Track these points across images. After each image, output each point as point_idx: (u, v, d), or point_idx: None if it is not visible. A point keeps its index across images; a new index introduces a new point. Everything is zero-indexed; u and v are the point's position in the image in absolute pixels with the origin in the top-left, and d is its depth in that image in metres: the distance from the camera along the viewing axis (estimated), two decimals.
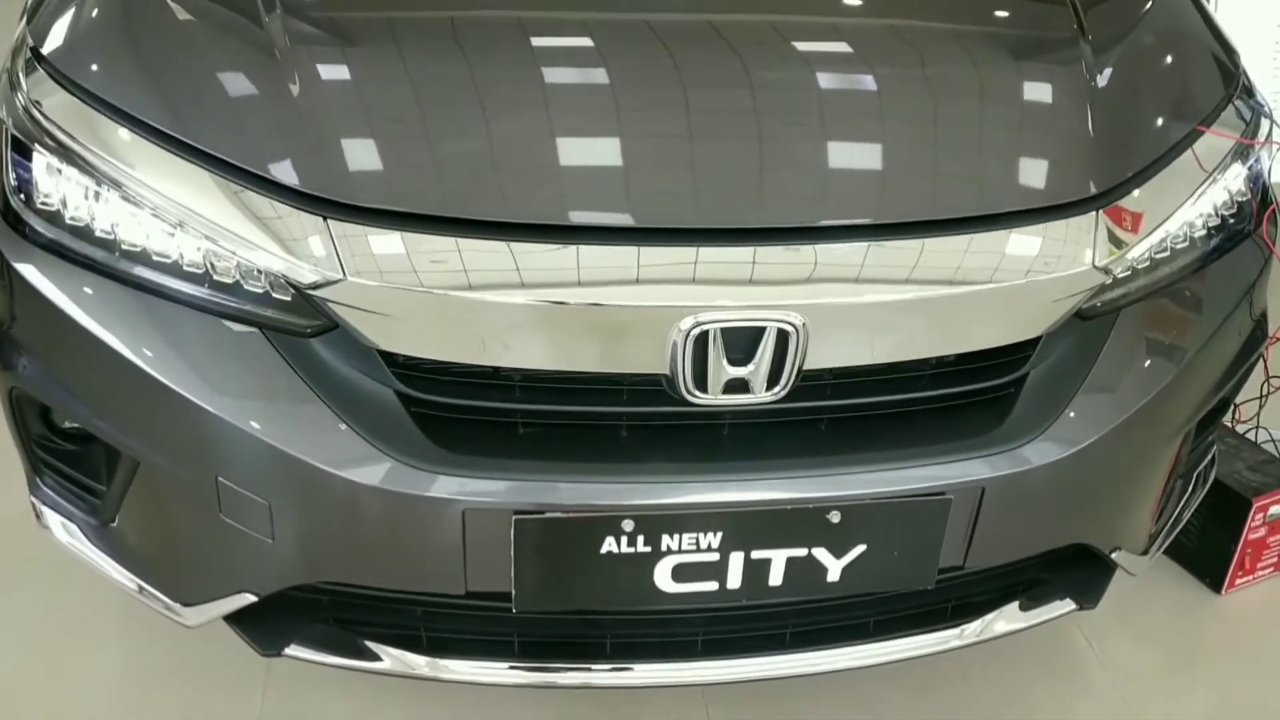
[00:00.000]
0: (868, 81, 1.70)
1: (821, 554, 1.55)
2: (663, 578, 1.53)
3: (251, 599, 1.60)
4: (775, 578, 1.55)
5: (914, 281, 1.47)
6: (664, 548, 1.50)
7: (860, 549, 1.55)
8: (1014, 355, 1.59)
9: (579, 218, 1.45)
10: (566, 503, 1.46)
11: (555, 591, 1.54)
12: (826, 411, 1.55)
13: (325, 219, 1.43)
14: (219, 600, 1.62)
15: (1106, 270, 1.56)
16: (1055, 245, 1.53)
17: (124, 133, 1.50)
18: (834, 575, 1.57)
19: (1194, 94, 1.79)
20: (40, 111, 1.55)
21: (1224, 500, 2.19)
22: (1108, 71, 1.74)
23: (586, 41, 1.67)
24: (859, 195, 1.54)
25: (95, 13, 1.67)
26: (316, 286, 1.42)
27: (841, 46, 1.77)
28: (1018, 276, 1.51)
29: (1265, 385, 2.33)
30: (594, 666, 1.65)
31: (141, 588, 1.68)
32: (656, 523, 1.48)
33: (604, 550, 1.49)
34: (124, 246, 1.49)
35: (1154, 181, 1.64)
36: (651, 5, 1.78)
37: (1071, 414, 1.58)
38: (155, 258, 1.48)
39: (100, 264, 1.50)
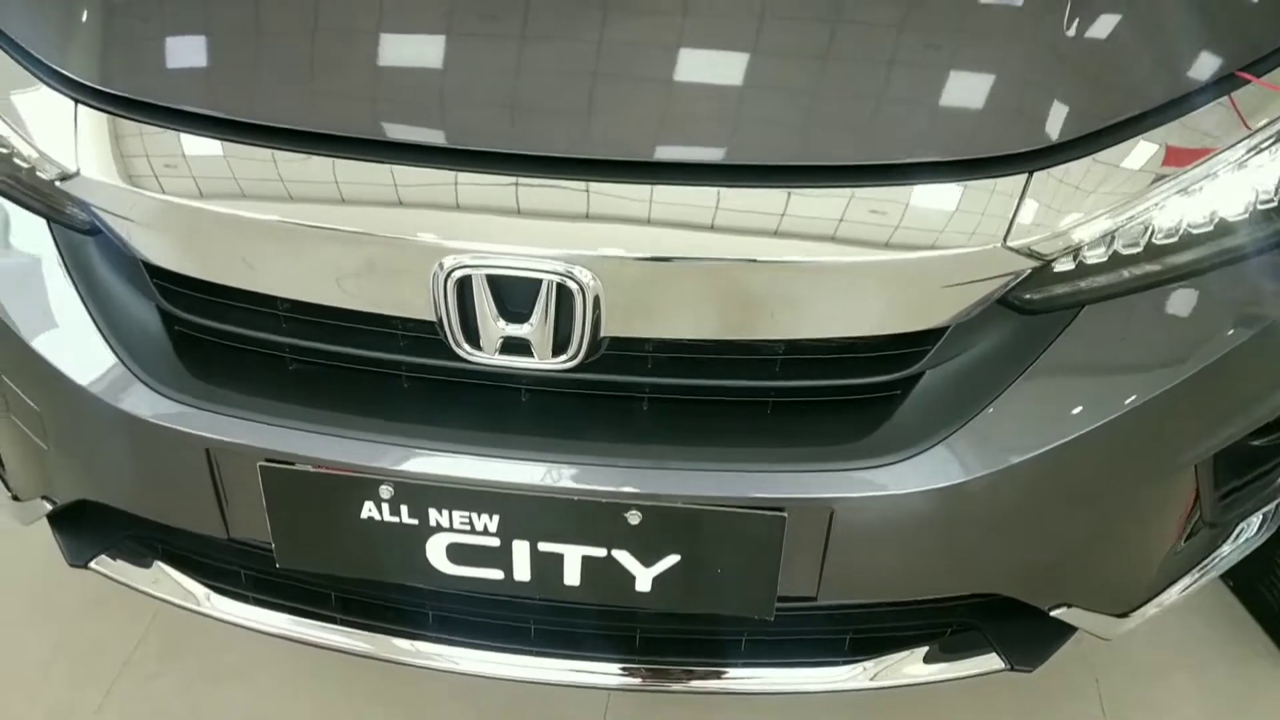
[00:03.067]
0: None
1: (624, 558, 1.27)
2: (437, 556, 1.30)
3: (48, 506, 1.49)
4: (571, 577, 1.30)
5: (748, 240, 1.15)
6: (432, 523, 1.28)
7: (673, 560, 1.27)
8: (901, 348, 1.24)
9: (335, 126, 1.21)
10: (317, 455, 1.26)
11: (317, 551, 1.35)
12: (648, 390, 1.26)
13: (76, 105, 1.26)
14: (28, 502, 1.53)
15: (1031, 253, 1.18)
16: (953, 213, 1.16)
17: None
18: (643, 585, 1.29)
19: (1243, 23, 1.32)
20: None
21: None
22: None
23: None
24: (701, 129, 1.20)
25: None
26: (61, 179, 1.27)
27: None
28: (891, 248, 1.15)
29: None
30: (390, 638, 1.45)
31: None
32: (418, 493, 1.26)
33: (364, 515, 1.28)
34: None
35: (1135, 143, 1.22)
36: None
37: (976, 431, 1.22)
38: None
39: None
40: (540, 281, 1.16)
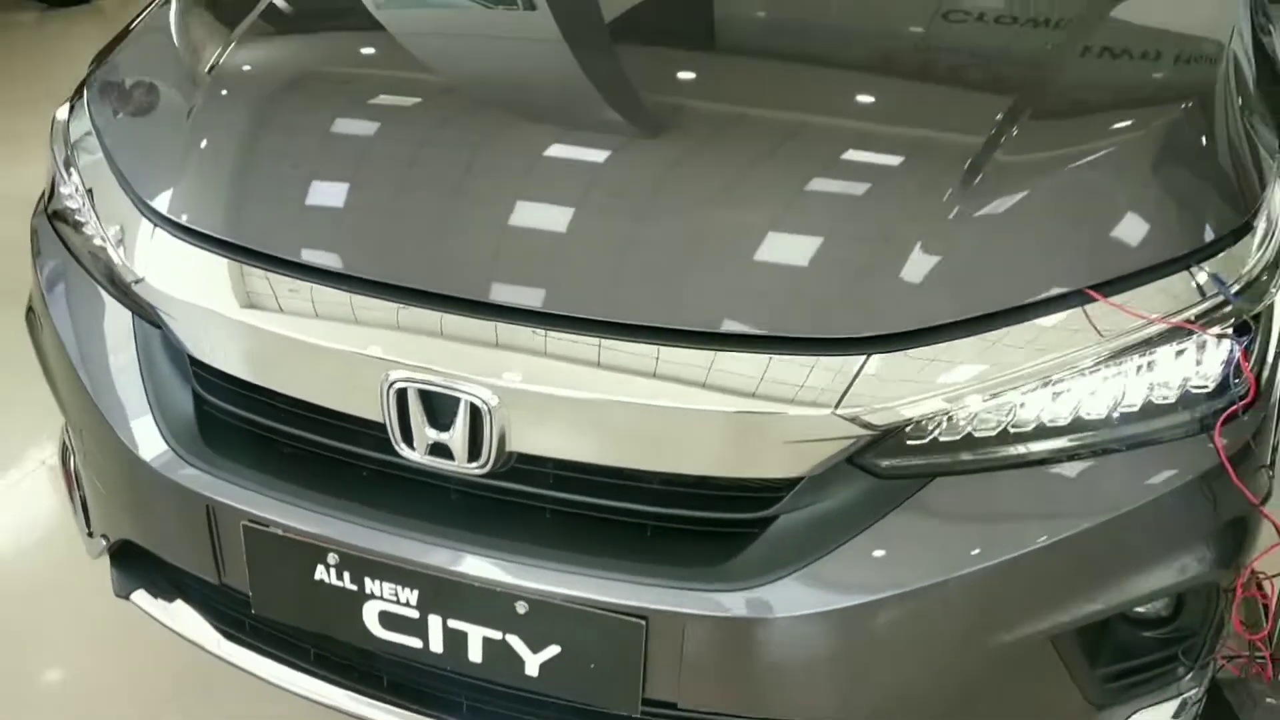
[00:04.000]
0: (654, 169, 1.60)
1: (516, 643, 1.50)
2: (371, 620, 1.56)
3: (104, 543, 1.84)
4: (475, 654, 1.53)
5: (622, 383, 1.40)
6: (367, 590, 1.54)
7: (554, 650, 1.49)
8: (758, 493, 1.44)
9: (316, 259, 1.53)
10: (284, 521, 1.55)
11: (283, 604, 1.63)
12: (548, 501, 1.51)
13: (154, 228, 1.64)
14: (94, 538, 1.88)
15: (861, 422, 1.38)
16: (797, 380, 1.38)
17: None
18: (532, 670, 1.51)
19: (1116, 249, 1.49)
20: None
21: None
22: (994, 197, 1.50)
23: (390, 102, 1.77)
24: (590, 288, 1.46)
25: None
26: (135, 282, 1.64)
27: (662, 131, 1.70)
28: (737, 404, 1.38)
29: None
30: (351, 693, 1.70)
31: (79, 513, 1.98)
32: (357, 563, 1.53)
33: (317, 576, 1.56)
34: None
35: (975, 340, 1.41)
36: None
37: (811, 574, 1.41)
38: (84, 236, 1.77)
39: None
40: (459, 399, 1.43)
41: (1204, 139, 1.61)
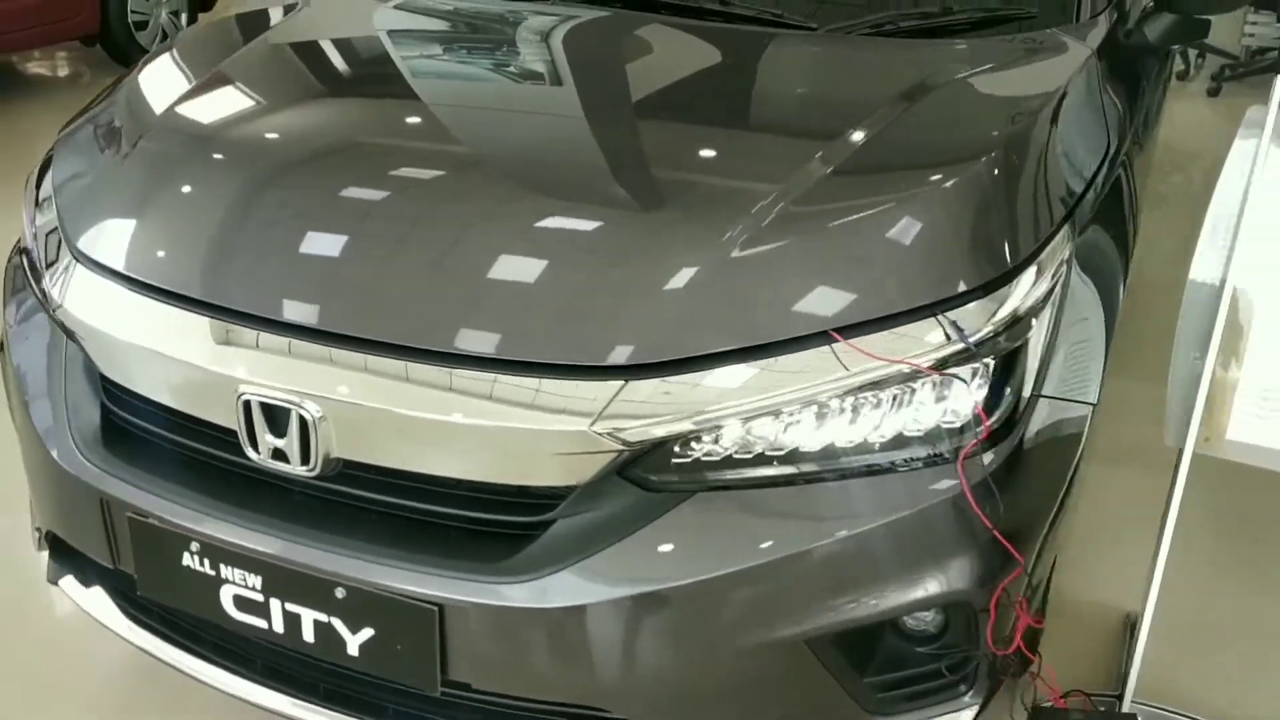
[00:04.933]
0: (456, 216, 1.83)
1: (339, 625, 1.73)
2: (228, 603, 1.81)
3: (36, 533, 2.12)
4: (308, 635, 1.76)
5: (416, 399, 1.63)
6: (223, 576, 1.79)
7: (369, 632, 1.72)
8: (539, 499, 1.66)
9: (183, 288, 1.79)
10: (158, 514, 1.81)
11: (161, 588, 1.89)
12: (367, 502, 1.74)
13: (72, 261, 1.94)
14: (34, 532, 2.17)
15: (615, 438, 1.59)
16: (560, 401, 1.60)
17: None
18: (353, 650, 1.74)
19: (868, 295, 1.68)
20: None
21: None
22: (765, 244, 1.70)
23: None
24: (398, 318, 1.69)
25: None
26: (56, 308, 1.93)
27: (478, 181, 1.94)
28: (511, 420, 1.60)
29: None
30: (221, 671, 1.94)
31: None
32: (213, 551, 1.78)
33: (185, 563, 1.81)
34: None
35: (725, 369, 1.62)
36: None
37: (571, 573, 1.62)
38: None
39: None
40: (291, 411, 1.68)
41: (974, 201, 1.80)
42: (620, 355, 1.61)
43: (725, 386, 1.62)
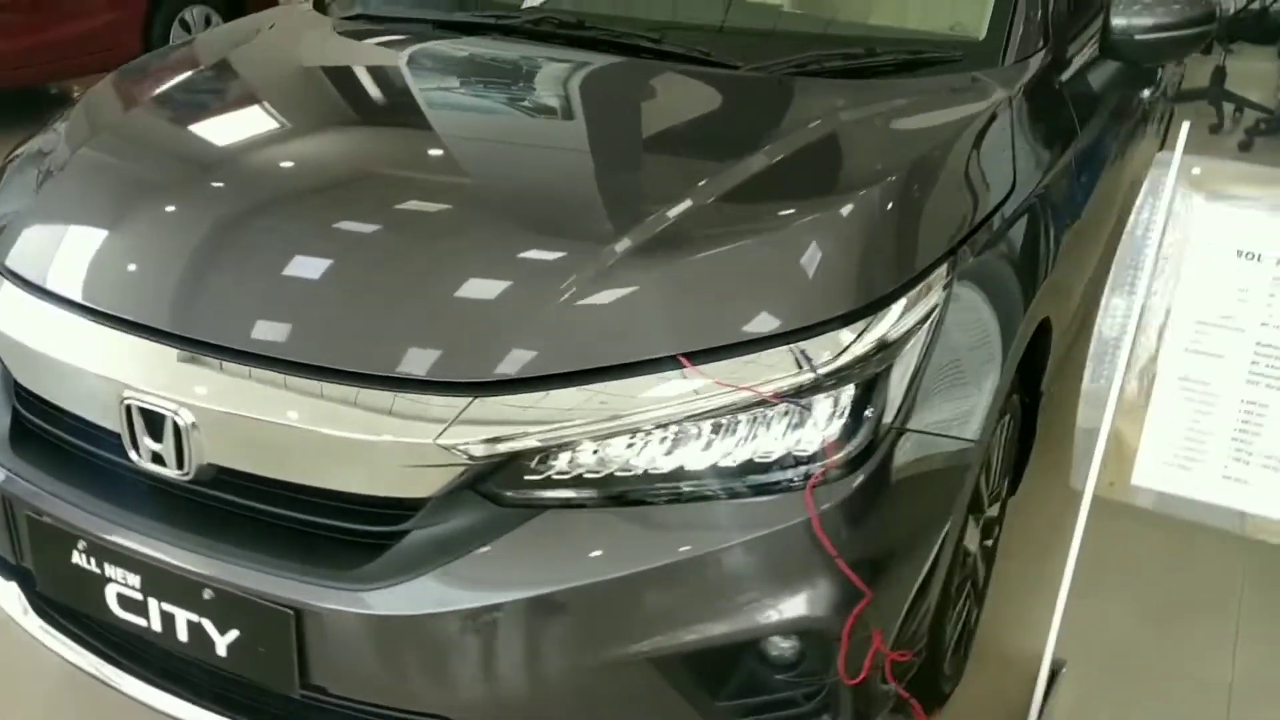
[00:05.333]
0: (329, 239, 1.89)
1: (208, 626, 1.79)
2: (112, 601, 1.88)
3: None
4: (182, 634, 1.83)
5: (285, 412, 1.70)
6: (107, 575, 1.86)
7: (235, 634, 1.78)
8: (396, 509, 1.71)
9: (77, 297, 1.89)
10: (51, 512, 1.89)
11: (56, 584, 1.96)
12: (237, 507, 1.80)
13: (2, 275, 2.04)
14: None
15: (459, 452, 1.64)
16: (410, 415, 1.66)
17: None
18: (222, 651, 1.80)
19: (722, 323, 1.72)
20: None
21: None
22: (623, 272, 1.75)
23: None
24: (267, 332, 1.76)
25: None
26: None
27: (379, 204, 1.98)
28: (363, 432, 1.66)
29: None
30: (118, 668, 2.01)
31: None
32: (100, 550, 1.85)
33: (74, 560, 1.89)
34: None
35: (567, 391, 1.66)
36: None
37: (416, 583, 1.67)
38: None
39: None
40: (166, 417, 1.76)
41: (835, 236, 1.83)
42: (469, 372, 1.67)
43: (573, 406, 1.67)
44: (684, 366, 1.67)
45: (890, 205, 1.90)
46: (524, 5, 2.83)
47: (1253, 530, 2.13)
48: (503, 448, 1.65)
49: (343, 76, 2.54)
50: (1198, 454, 2.14)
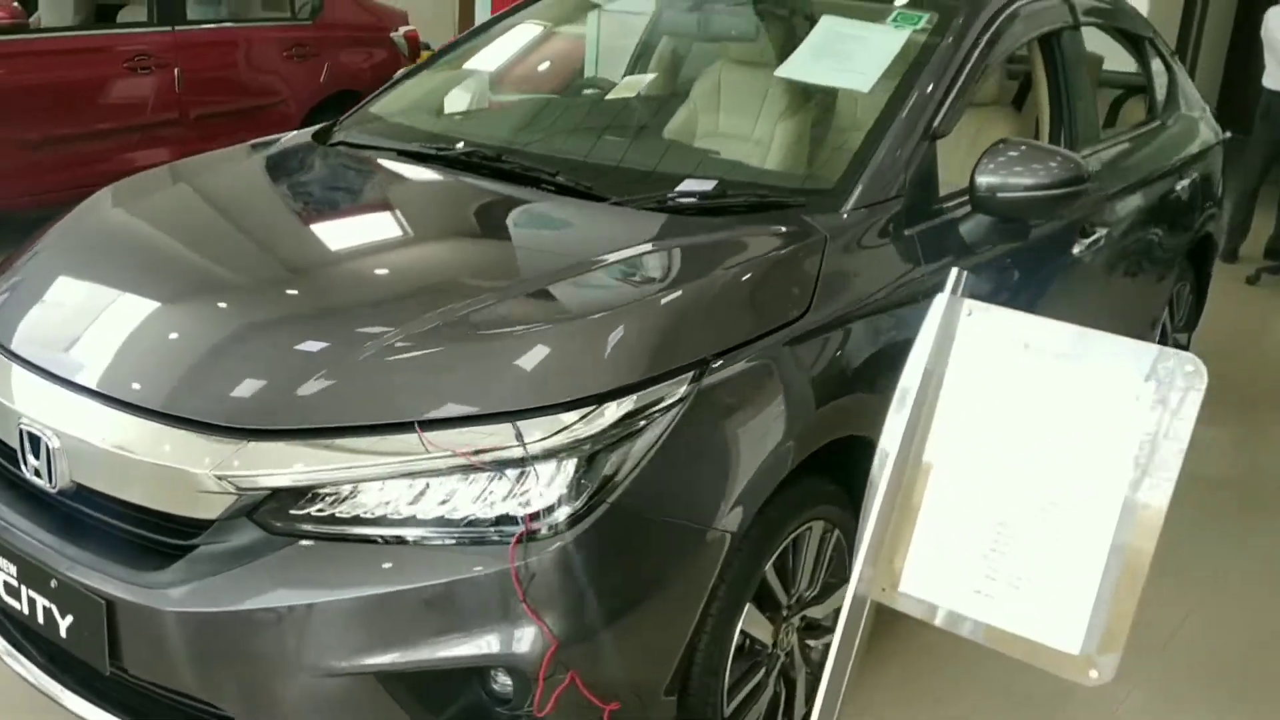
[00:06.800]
0: (166, 304, 2.35)
1: (55, 610, 2.24)
2: (1, 588, 2.35)
3: None
4: (40, 618, 2.27)
5: (110, 440, 2.16)
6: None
7: (71, 618, 2.21)
8: (192, 525, 2.12)
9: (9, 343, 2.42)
10: None
11: None
12: (87, 515, 2.25)
13: None
14: None
15: (234, 485, 2.05)
16: (197, 450, 2.08)
17: None
18: (64, 632, 2.23)
19: (460, 397, 2.09)
20: None
21: None
22: (391, 352, 2.16)
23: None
24: (110, 374, 2.23)
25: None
26: None
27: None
28: (162, 460, 2.10)
29: None
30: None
31: None
32: None
33: None
34: None
35: (323, 441, 2.06)
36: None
37: (189, 588, 2.07)
38: None
39: None
40: (41, 439, 2.24)
41: (570, 341, 2.21)
42: (245, 420, 2.09)
43: (328, 458, 2.06)
44: (417, 431, 2.05)
45: (634, 318, 2.24)
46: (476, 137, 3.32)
47: (992, 642, 2.31)
48: (262, 483, 2.06)
49: (267, 186, 3.09)
50: (956, 567, 2.35)
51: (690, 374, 2.22)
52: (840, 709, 2.46)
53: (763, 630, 2.54)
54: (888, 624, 2.52)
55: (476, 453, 2.03)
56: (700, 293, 2.36)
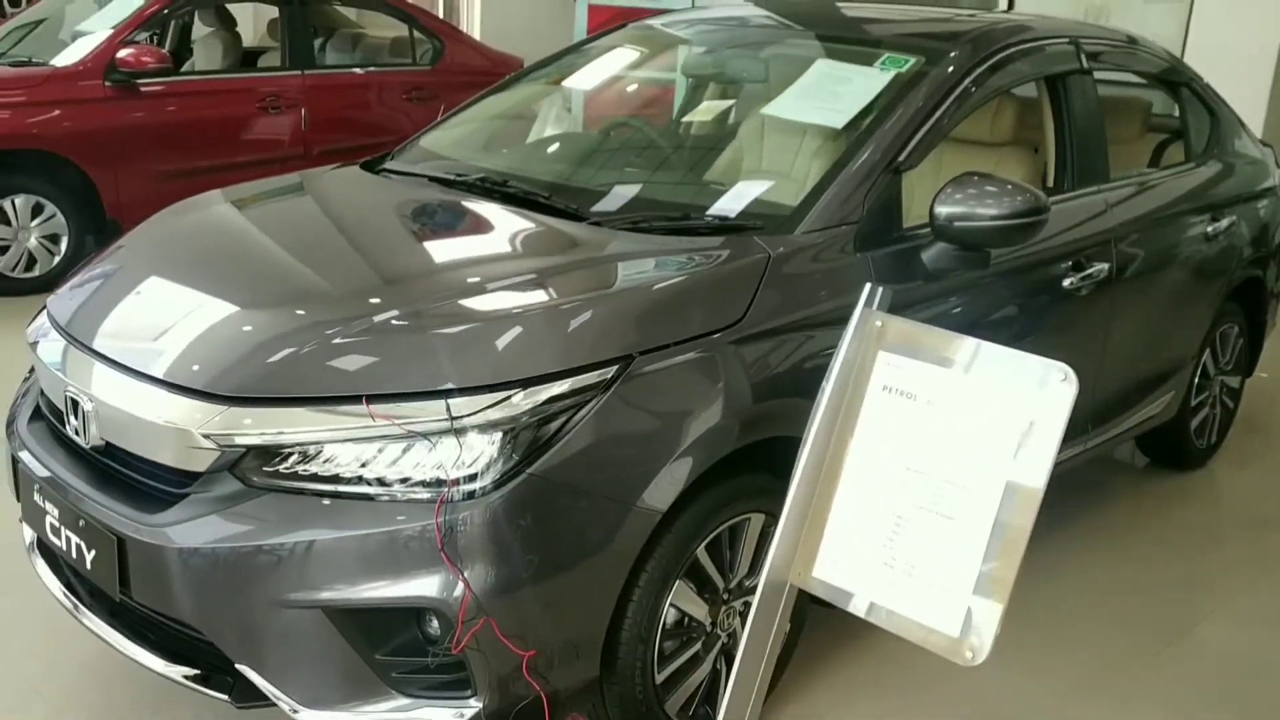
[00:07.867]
0: (178, 296, 2.81)
1: (83, 546, 2.68)
2: (49, 529, 2.80)
3: None
4: (73, 553, 2.72)
5: (126, 402, 2.60)
6: (44, 508, 2.80)
7: (94, 552, 2.65)
8: (185, 477, 2.54)
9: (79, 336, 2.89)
10: (24, 461, 2.87)
11: (29, 517, 2.91)
12: (112, 466, 2.69)
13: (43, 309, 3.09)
14: None
15: (218, 442, 2.45)
16: (190, 411, 2.49)
17: None
18: (89, 565, 2.67)
19: (401, 377, 2.45)
20: None
21: None
22: (348, 335, 2.55)
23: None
24: (133, 351, 2.67)
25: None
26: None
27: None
28: (163, 419, 2.52)
29: None
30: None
31: None
32: (43, 490, 2.79)
33: (34, 499, 2.84)
34: None
35: (288, 410, 2.45)
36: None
37: (181, 527, 2.48)
38: None
39: None
40: (79, 402, 2.70)
41: (499, 335, 2.55)
42: (228, 389, 2.50)
43: (293, 422, 2.45)
44: (363, 404, 2.42)
45: (561, 316, 2.58)
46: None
47: (891, 626, 2.53)
48: (239, 441, 2.46)
49: (308, 202, 3.56)
50: (860, 555, 2.59)
51: (615, 366, 2.53)
52: (761, 684, 2.72)
53: (698, 609, 2.82)
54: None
55: (413, 424, 2.39)
56: (628, 297, 2.68)
